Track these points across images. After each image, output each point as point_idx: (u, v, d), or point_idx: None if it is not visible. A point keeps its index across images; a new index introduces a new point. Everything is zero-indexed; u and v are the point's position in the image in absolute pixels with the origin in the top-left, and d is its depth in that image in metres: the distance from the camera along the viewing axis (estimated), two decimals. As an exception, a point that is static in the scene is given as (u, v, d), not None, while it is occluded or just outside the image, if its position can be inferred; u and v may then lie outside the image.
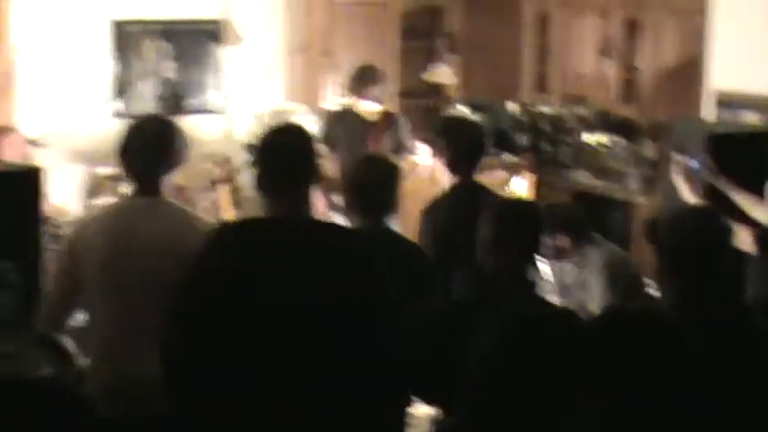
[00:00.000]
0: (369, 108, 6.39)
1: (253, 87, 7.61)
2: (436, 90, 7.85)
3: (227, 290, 2.89)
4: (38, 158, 6.22)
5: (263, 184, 3.07)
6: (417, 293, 3.53)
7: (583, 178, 7.72)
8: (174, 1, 7.23)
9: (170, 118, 3.62)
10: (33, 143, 6.30)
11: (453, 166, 4.43)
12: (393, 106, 7.54)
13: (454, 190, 4.46)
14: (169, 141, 3.45)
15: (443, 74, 7.37)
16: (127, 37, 7.14)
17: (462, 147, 4.42)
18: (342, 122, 6.48)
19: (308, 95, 7.58)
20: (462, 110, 8.23)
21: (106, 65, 7.09)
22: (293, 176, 3.03)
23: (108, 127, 6.43)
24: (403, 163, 6.43)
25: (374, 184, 3.75)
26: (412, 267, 3.64)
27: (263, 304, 2.85)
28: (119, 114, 6.99)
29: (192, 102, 7.42)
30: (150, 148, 3.42)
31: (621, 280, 4.73)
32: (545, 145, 8.31)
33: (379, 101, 6.43)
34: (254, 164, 3.13)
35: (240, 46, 7.50)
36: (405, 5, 7.71)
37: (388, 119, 6.48)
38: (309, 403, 2.78)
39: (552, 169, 8.03)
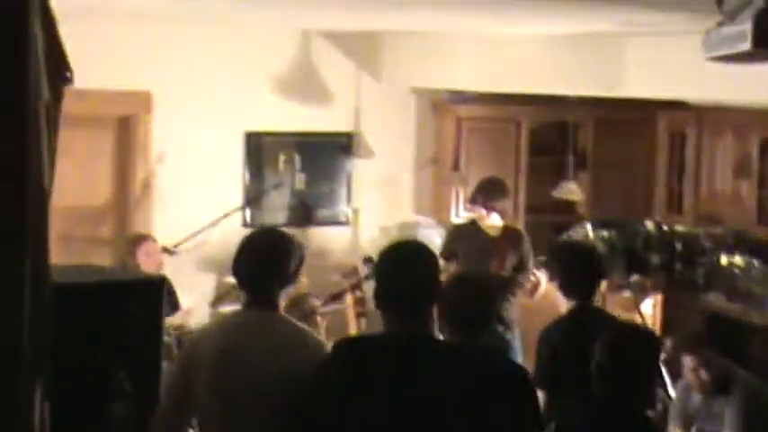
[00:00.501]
0: (492, 222, 6.35)
1: (381, 200, 7.67)
2: (565, 207, 7.76)
3: (340, 407, 2.87)
4: (171, 266, 6.38)
5: (380, 299, 3.06)
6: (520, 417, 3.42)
7: (717, 301, 7.47)
8: (306, 114, 7.37)
9: (284, 231, 3.63)
10: (167, 251, 6.45)
11: (567, 291, 4.37)
12: (520, 222, 7.51)
13: (570, 314, 4.39)
14: (282, 255, 3.45)
15: (571, 191, 7.29)
16: (260, 148, 7.30)
17: (575, 272, 4.37)
18: (464, 236, 6.45)
19: (436, 209, 7.60)
20: (589, 228, 8.11)
21: (239, 175, 7.25)
22: (410, 294, 3.01)
23: (238, 236, 6.54)
24: (525, 280, 6.37)
25: (468, 302, 3.66)
26: (514, 387, 3.55)
27: (374, 423, 2.82)
28: (249, 224, 7.12)
29: (322, 213, 7.51)
30: (263, 261, 3.43)
31: (758, 414, 4.52)
32: (678, 265, 8.09)
33: (503, 215, 6.38)
34: (372, 278, 3.12)
35: (370, 159, 7.59)
36: (533, 121, 7.70)
37: (511, 234, 6.42)
38: None
39: (685, 290, 7.80)
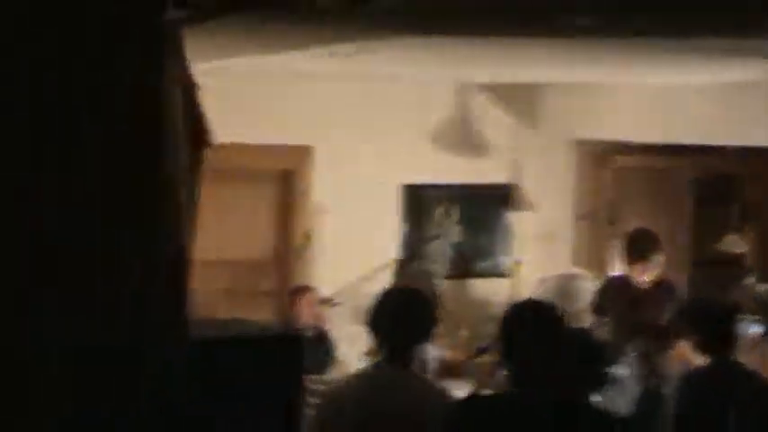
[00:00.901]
0: (646, 275, 6.21)
1: (539, 252, 7.61)
2: (731, 260, 7.52)
3: None
4: (329, 317, 6.50)
5: (506, 356, 3.06)
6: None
7: None
8: (463, 166, 7.41)
9: (419, 290, 3.66)
10: (327, 302, 6.57)
11: (703, 347, 4.27)
12: (684, 275, 7.33)
13: (708, 367, 4.29)
14: (416, 312, 3.48)
15: (736, 243, 7.07)
16: (417, 200, 7.38)
17: (707, 332, 4.27)
18: (614, 290, 6.34)
19: (594, 262, 7.48)
20: (753, 281, 7.82)
21: (396, 227, 7.33)
22: (537, 352, 3.00)
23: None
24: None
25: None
26: None
27: None
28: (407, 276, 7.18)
29: (480, 265, 7.50)
30: (396, 318, 3.47)
31: None
32: None
33: (655, 268, 6.23)
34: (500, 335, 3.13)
35: (529, 211, 7.56)
36: (697, 172, 7.52)
37: (665, 286, 6.27)
38: None
39: None
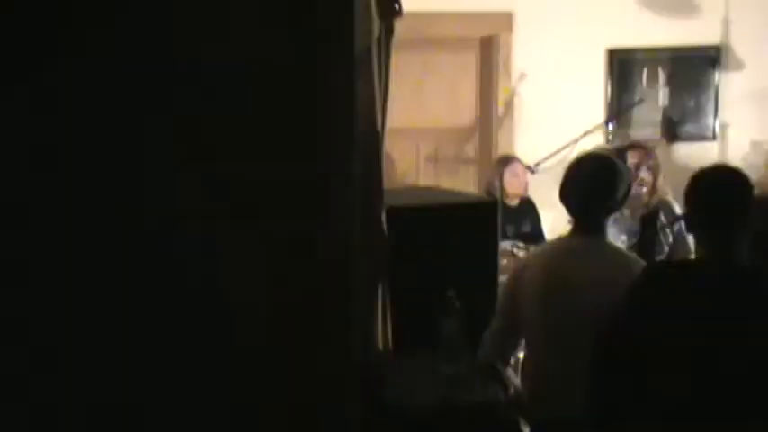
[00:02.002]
0: None
1: (751, 114, 7.35)
2: None
3: (652, 332, 2.90)
4: (533, 185, 6.53)
5: (694, 225, 3.04)
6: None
7: None
8: (670, 28, 7.19)
9: (611, 157, 3.63)
10: (529, 169, 6.59)
11: None
12: None
13: None
14: (608, 181, 3.47)
15: None
16: (622, 64, 7.23)
17: None
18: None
19: (812, 123, 7.19)
20: None
21: (601, 92, 7.23)
22: (724, 220, 2.97)
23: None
24: None
25: None
26: None
27: (686, 348, 2.83)
28: (612, 140, 7.11)
29: (687, 128, 7.33)
30: (588, 187, 3.47)
31: None
32: None
33: None
34: (690, 203, 3.10)
35: (740, 71, 7.28)
36: None
37: None
38: None
39: None
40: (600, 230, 3.51)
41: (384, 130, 3.44)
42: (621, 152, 6.35)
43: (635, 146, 6.48)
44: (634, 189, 5.58)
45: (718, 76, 7.31)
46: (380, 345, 3.45)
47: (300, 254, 2.59)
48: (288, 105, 2.61)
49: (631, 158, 6.25)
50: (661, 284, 2.95)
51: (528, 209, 6.45)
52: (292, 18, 2.49)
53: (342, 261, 2.70)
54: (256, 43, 2.48)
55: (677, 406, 2.83)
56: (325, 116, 2.77)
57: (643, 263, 3.46)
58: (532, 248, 5.05)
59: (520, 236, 6.19)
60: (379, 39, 3.20)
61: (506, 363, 3.64)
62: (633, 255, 3.62)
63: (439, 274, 3.52)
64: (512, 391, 3.43)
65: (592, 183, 3.51)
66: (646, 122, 7.33)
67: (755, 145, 7.37)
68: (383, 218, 3.44)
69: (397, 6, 3.39)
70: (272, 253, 2.54)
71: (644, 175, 6.19)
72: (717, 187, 3.03)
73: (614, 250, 3.51)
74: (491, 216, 3.74)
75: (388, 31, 3.33)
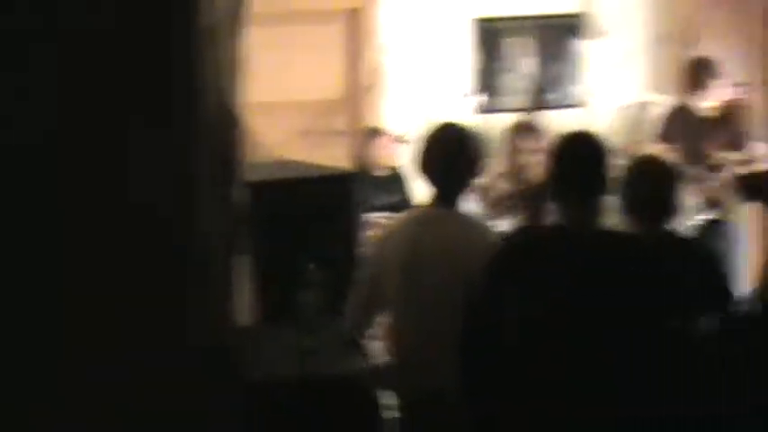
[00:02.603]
0: (705, 103, 6.14)
1: (614, 80, 7.49)
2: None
3: (516, 291, 2.93)
4: (403, 156, 6.53)
5: (556, 192, 3.08)
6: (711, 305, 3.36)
7: None
8: (534, -4, 7.28)
9: (466, 126, 3.65)
10: (399, 140, 6.60)
11: None
12: (757, 97, 7.19)
13: None
14: (465, 151, 3.49)
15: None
16: (488, 34, 7.28)
17: None
18: (678, 118, 6.26)
19: (672, 87, 7.33)
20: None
21: (468, 61, 7.27)
22: (585, 186, 3.01)
23: (470, 123, 6.64)
24: (738, 158, 6.13)
25: (651, 187, 3.56)
26: (706, 275, 3.47)
27: (550, 308, 2.87)
28: (481, 110, 7.16)
29: (553, 96, 7.42)
30: (445, 157, 3.48)
31: None
32: None
33: (716, 95, 6.13)
34: (550, 171, 3.13)
35: (602, 38, 7.41)
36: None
37: (726, 113, 6.17)
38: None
39: None
40: (457, 201, 3.53)
41: (239, 104, 3.38)
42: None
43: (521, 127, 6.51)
44: None
45: (582, 44, 7.41)
46: (241, 319, 3.42)
47: (149, 229, 2.55)
48: (137, 75, 2.58)
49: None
50: (522, 252, 2.99)
51: (397, 179, 6.46)
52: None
53: (195, 236, 2.66)
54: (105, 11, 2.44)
55: (548, 373, 2.85)
56: (173, 86, 2.73)
57: (497, 231, 3.49)
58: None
59: (390, 206, 6.19)
60: (229, 11, 3.14)
61: (368, 333, 3.63)
62: (485, 224, 3.65)
63: (300, 246, 3.49)
64: (375, 361, 3.43)
65: (449, 153, 3.52)
66: (514, 91, 7.40)
67: (620, 110, 7.52)
68: (242, 191, 3.39)
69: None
70: (121, 227, 2.49)
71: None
72: (573, 156, 3.07)
73: (469, 220, 3.53)
74: (351, 188, 3.73)
75: (239, 2, 3.27)
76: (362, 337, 3.63)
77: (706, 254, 3.70)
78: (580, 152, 3.08)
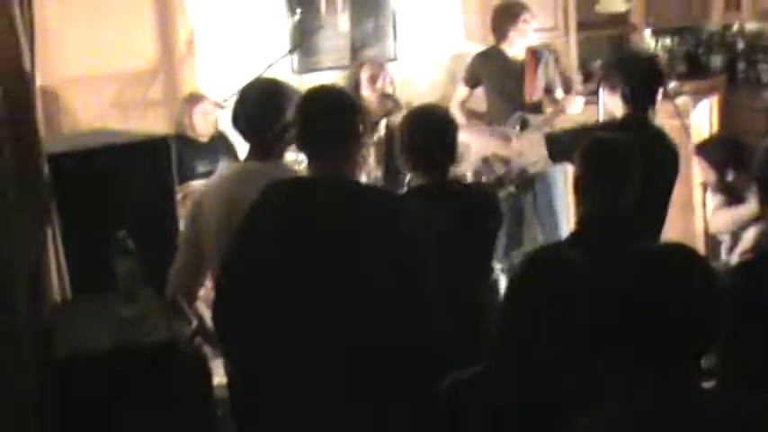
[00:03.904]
0: (516, 46, 6.28)
1: (429, 32, 7.58)
2: (618, 19, 7.56)
3: (265, 244, 3.00)
4: (225, 121, 6.45)
5: (301, 144, 3.10)
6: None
7: (780, 97, 7.27)
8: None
9: (279, 79, 3.64)
10: (218, 105, 6.52)
11: (627, 101, 4.28)
12: (571, 40, 7.38)
13: (620, 123, 4.33)
14: (275, 104, 3.47)
15: (615, 2, 7.06)
16: (300, -7, 7.25)
17: (636, 81, 4.25)
18: (488, 62, 6.40)
19: (487, 35, 7.46)
20: (649, 36, 7.92)
21: (282, 21, 7.23)
22: (330, 138, 3.03)
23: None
24: (554, 100, 6.33)
25: (435, 137, 3.62)
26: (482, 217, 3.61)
27: (298, 259, 2.93)
28: (297, 70, 7.14)
29: (369, 52, 7.44)
30: (255, 111, 3.46)
31: None
32: (740, 65, 7.87)
33: (522, 37, 6.28)
34: (294, 124, 3.16)
35: (414, -8, 7.49)
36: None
37: (536, 56, 6.35)
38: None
39: (746, 90, 7.61)
40: (272, 153, 3.51)
41: (34, 76, 3.30)
42: (355, 69, 6.42)
43: (365, 61, 6.53)
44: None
45: (396, -1, 7.47)
46: (55, 292, 3.34)
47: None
48: None
49: (365, 72, 6.31)
50: (268, 201, 3.01)
51: (221, 144, 6.39)
52: None
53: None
54: None
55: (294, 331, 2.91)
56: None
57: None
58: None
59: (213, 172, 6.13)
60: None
61: (192, 296, 3.59)
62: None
63: (113, 215, 3.42)
64: (200, 325, 3.39)
65: (258, 107, 3.50)
66: (330, 49, 7.40)
67: (436, 62, 7.61)
68: (44, 163, 3.30)
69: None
70: None
71: (382, 86, 6.24)
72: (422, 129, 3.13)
73: (287, 171, 3.52)
74: (163, 153, 3.66)
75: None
76: (192, 301, 3.59)
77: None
78: (428, 125, 3.15)
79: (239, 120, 3.54)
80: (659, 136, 4.36)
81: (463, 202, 3.55)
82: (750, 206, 4.85)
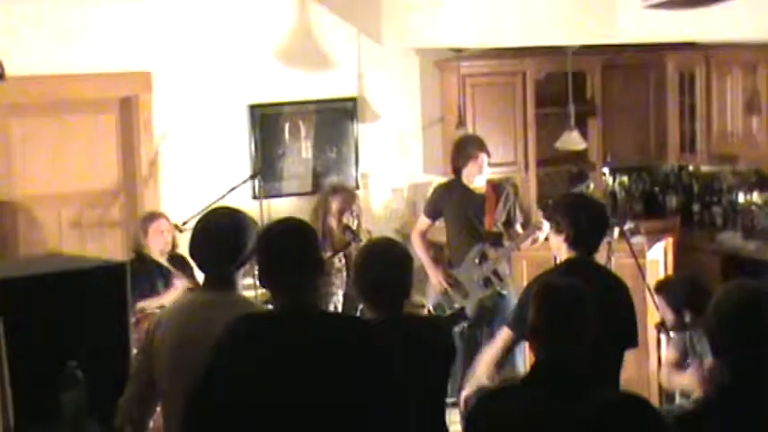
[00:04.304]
0: (475, 179, 6.40)
1: (390, 162, 7.68)
2: (576, 156, 7.71)
3: (237, 382, 2.96)
4: (184, 243, 6.44)
5: (265, 279, 3.11)
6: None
7: (734, 240, 7.39)
8: (307, 82, 7.39)
9: (238, 210, 3.64)
10: (177, 228, 6.50)
11: (573, 245, 4.32)
12: (531, 175, 7.51)
13: (565, 265, 4.34)
14: (238, 235, 3.47)
15: (574, 141, 7.20)
16: (264, 119, 7.33)
17: (582, 225, 4.29)
18: (449, 194, 6.50)
19: (446, 168, 7.58)
20: (607, 173, 8.08)
21: (245, 148, 7.29)
22: (295, 272, 3.05)
23: (247, 208, 6.64)
24: (513, 234, 6.41)
25: (389, 273, 3.64)
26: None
27: (276, 394, 2.92)
28: (259, 194, 7.17)
29: (332, 179, 7.51)
30: (218, 242, 3.45)
31: None
32: (695, 206, 8.03)
33: (480, 171, 6.40)
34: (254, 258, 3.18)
35: (376, 122, 7.60)
36: (538, 72, 7.63)
37: (496, 188, 6.47)
38: None
39: (701, 231, 7.76)
40: (230, 284, 3.50)
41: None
42: (326, 197, 6.50)
43: (339, 190, 6.63)
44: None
45: (357, 127, 7.57)
46: (4, 423, 3.27)
47: None
48: None
49: (336, 203, 6.40)
50: (238, 338, 3.00)
51: (177, 264, 6.35)
52: None
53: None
54: None
55: None
56: None
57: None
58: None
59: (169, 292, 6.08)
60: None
61: (142, 426, 3.53)
62: (261, 307, 3.63)
63: (63, 343, 3.38)
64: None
65: (219, 237, 3.49)
66: (293, 175, 7.46)
67: (396, 191, 7.70)
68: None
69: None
70: None
71: (347, 219, 6.35)
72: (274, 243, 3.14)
73: (242, 302, 3.50)
74: (119, 280, 3.64)
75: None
76: (141, 430, 3.53)
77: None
78: (283, 240, 3.14)
79: (197, 253, 3.53)
80: (608, 276, 4.41)
81: (415, 341, 3.54)
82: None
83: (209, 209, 3.81)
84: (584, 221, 4.29)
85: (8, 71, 5.20)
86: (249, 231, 3.52)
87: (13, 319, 3.13)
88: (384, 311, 3.59)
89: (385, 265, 3.61)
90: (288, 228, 3.17)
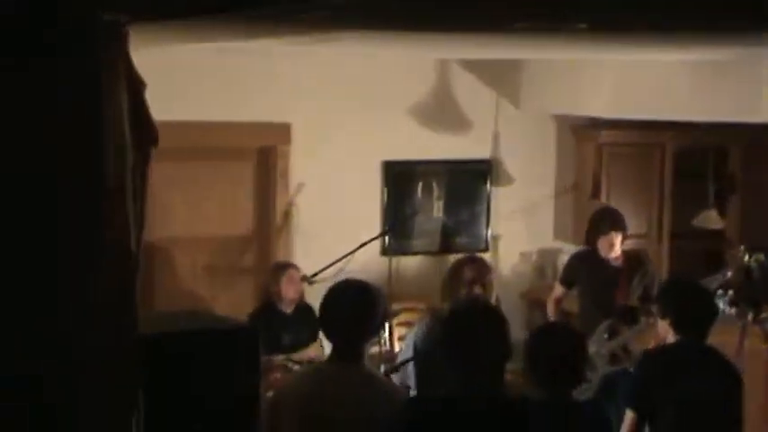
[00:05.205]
0: (611, 252, 6.29)
1: (521, 226, 7.64)
2: (714, 233, 7.54)
3: None
4: (311, 296, 6.51)
5: (450, 361, 3.11)
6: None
7: None
8: (444, 142, 7.42)
9: (369, 283, 3.66)
10: (306, 280, 6.57)
11: (676, 329, 4.28)
12: (664, 249, 7.38)
13: (674, 346, 4.31)
14: (367, 308, 3.49)
15: (711, 219, 7.07)
16: (398, 177, 7.38)
17: (688, 313, 4.28)
18: (583, 264, 6.42)
19: (577, 235, 7.50)
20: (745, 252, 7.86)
21: (377, 204, 7.35)
22: (485, 356, 3.05)
23: (377, 265, 6.70)
24: (648, 311, 6.27)
25: (553, 355, 3.60)
26: None
27: None
28: (389, 251, 7.20)
29: (461, 240, 7.52)
30: (346, 314, 3.48)
31: None
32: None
33: (616, 245, 6.30)
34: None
35: (509, 185, 7.58)
36: (677, 146, 7.51)
37: (633, 262, 6.35)
38: None
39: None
40: (359, 357, 3.52)
41: (139, 252, 3.38)
42: (459, 266, 6.45)
43: (472, 260, 6.57)
44: None
45: (490, 189, 7.56)
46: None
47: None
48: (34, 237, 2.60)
49: (468, 273, 6.35)
50: (419, 418, 3.00)
51: (305, 316, 6.40)
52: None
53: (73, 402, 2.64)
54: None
55: None
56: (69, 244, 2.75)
57: (399, 391, 3.48)
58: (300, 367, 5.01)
59: (297, 343, 6.14)
60: (134, 167, 3.16)
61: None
62: (390, 383, 3.64)
63: (194, 404, 3.42)
64: None
65: (349, 310, 3.52)
66: (423, 233, 7.49)
67: (524, 255, 7.65)
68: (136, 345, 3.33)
69: (154, 135, 3.36)
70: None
71: (478, 291, 6.27)
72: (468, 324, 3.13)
73: (371, 376, 3.52)
74: (250, 344, 3.66)
75: (145, 159, 3.30)
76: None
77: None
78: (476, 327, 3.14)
79: (327, 321, 3.56)
80: (714, 355, 4.34)
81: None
82: None
83: (339, 281, 3.84)
84: (690, 309, 4.30)
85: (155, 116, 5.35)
86: (380, 306, 3.55)
87: (152, 375, 3.18)
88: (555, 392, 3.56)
89: (557, 346, 3.61)
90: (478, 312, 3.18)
